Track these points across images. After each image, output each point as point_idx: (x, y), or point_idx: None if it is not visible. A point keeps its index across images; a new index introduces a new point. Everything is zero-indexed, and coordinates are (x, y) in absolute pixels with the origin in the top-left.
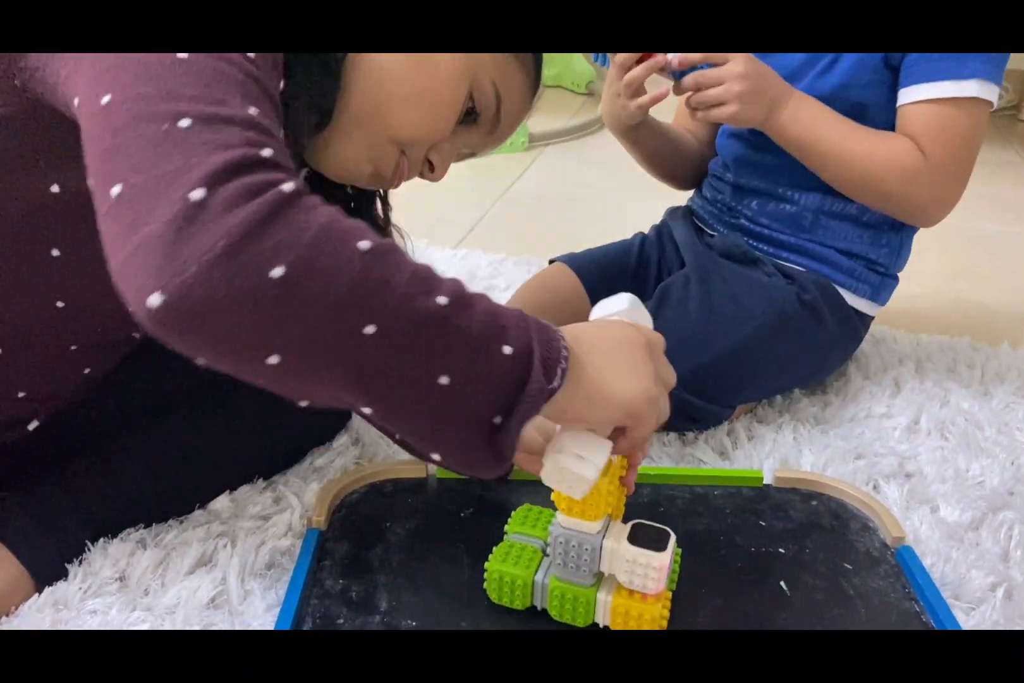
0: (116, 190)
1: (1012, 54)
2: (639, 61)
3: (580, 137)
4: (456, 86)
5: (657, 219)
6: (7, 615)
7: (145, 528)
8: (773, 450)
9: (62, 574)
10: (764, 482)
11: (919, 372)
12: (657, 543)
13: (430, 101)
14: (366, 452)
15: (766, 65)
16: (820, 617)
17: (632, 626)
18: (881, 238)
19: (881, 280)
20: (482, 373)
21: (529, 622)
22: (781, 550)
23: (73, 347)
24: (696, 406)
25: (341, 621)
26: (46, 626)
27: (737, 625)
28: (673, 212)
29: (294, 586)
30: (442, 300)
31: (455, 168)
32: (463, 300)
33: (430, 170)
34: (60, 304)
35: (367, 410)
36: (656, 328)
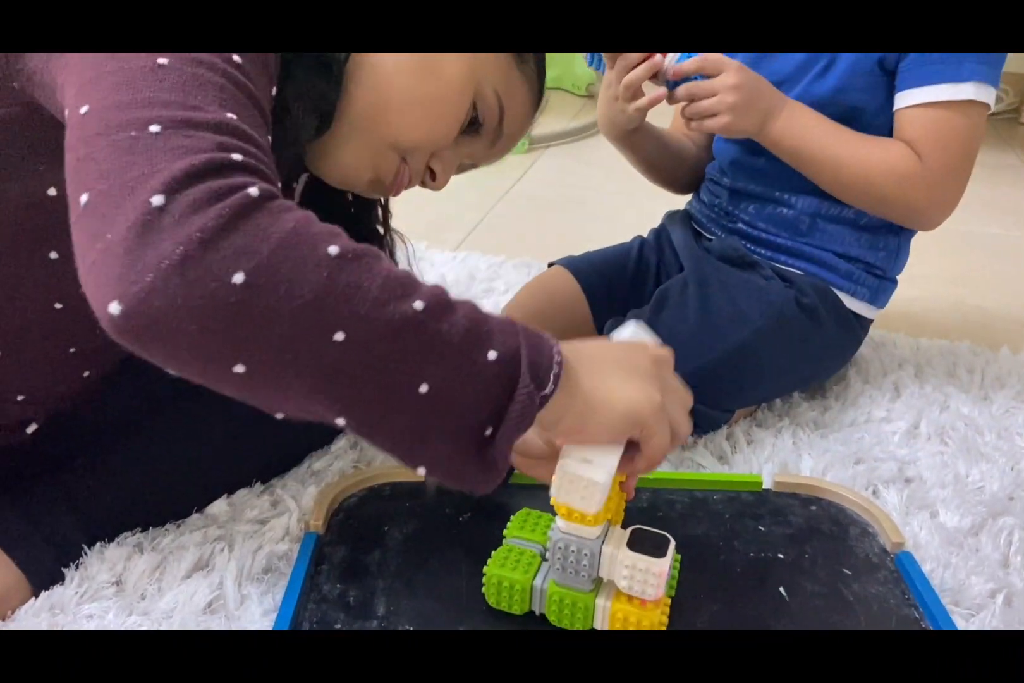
0: (84, 198)
1: (1012, 56)
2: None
3: (580, 139)
4: (459, 94)
5: (656, 222)
6: (3, 619)
7: (142, 532)
8: (772, 454)
9: (58, 578)
10: (763, 487)
11: (919, 376)
12: (657, 549)
13: (432, 107)
14: (364, 455)
15: (759, 75)
16: (819, 623)
17: None
18: (879, 241)
19: (880, 283)
20: (465, 380)
21: (527, 627)
22: (780, 555)
23: (72, 349)
24: (695, 410)
25: (338, 626)
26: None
27: None
28: (672, 216)
29: (291, 591)
30: (418, 305)
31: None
32: (442, 305)
33: (431, 178)
34: (58, 305)
35: (341, 421)
36: (654, 332)
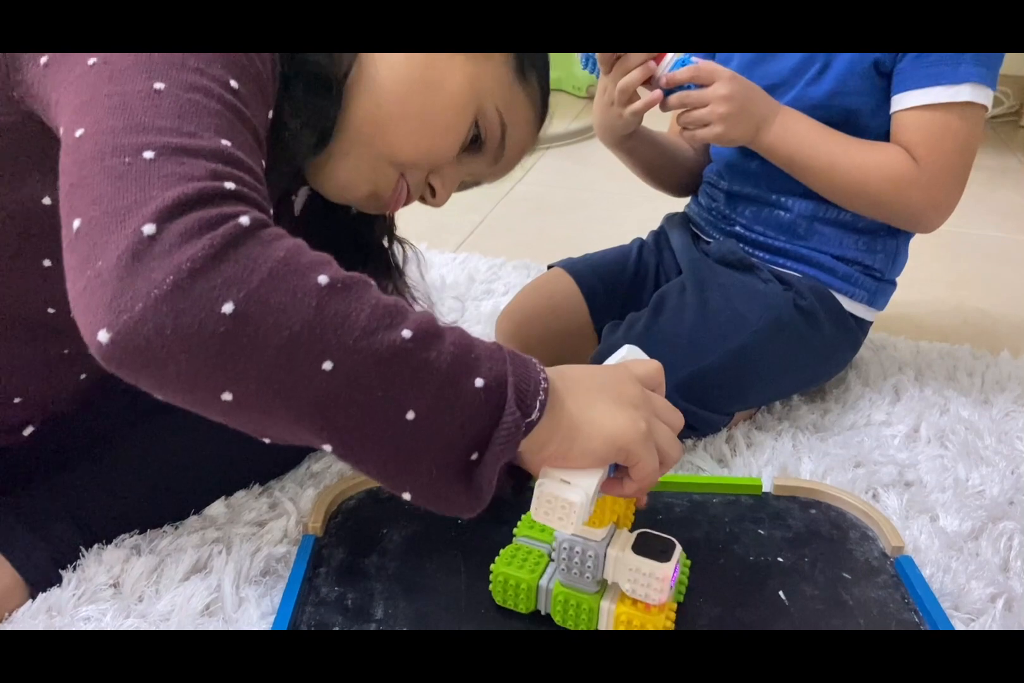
0: (76, 224)
1: (1012, 59)
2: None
3: (580, 141)
4: (459, 110)
5: (656, 224)
6: (0, 621)
7: (140, 534)
8: (772, 458)
9: (56, 580)
10: (763, 490)
11: (919, 380)
12: (662, 554)
13: (431, 123)
14: None
15: (752, 84)
16: (818, 627)
17: None
18: (877, 244)
19: (878, 285)
20: (452, 407)
21: (527, 628)
22: (780, 559)
23: (66, 351)
24: (694, 414)
25: (336, 629)
26: None
27: None
28: (671, 218)
29: (289, 593)
30: (406, 333)
31: None
32: (430, 333)
33: (432, 195)
34: (51, 310)
35: (328, 447)
36: (652, 336)
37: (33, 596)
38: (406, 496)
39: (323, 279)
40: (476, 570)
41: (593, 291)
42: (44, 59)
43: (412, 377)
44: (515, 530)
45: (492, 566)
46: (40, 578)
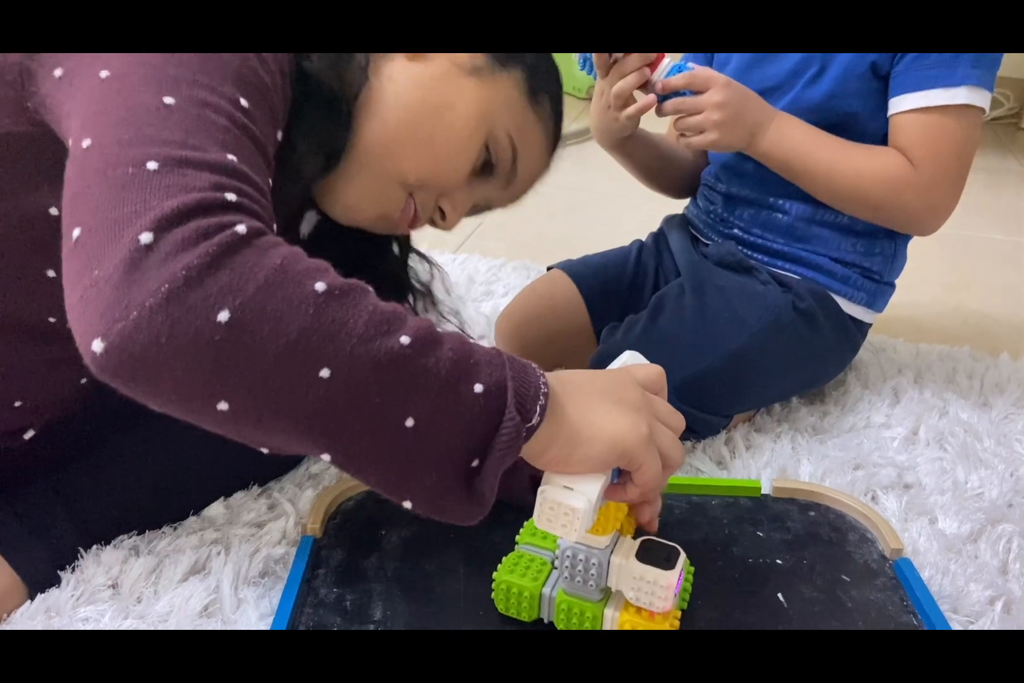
0: (76, 233)
1: (1013, 62)
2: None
3: (580, 142)
4: (470, 133)
5: (656, 225)
6: None
7: (138, 535)
8: (771, 460)
9: (54, 581)
10: (762, 492)
11: (918, 382)
12: (666, 561)
13: (440, 146)
14: None
15: (747, 90)
16: (817, 629)
17: None
18: (875, 246)
19: (877, 287)
20: (451, 413)
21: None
22: (779, 561)
23: (67, 356)
24: (693, 416)
25: (335, 630)
26: None
27: None
28: (670, 220)
29: (288, 594)
30: (404, 340)
31: None
32: (428, 339)
33: (441, 218)
34: (52, 319)
35: (327, 456)
36: (651, 338)
37: (32, 597)
38: (407, 505)
39: (320, 286)
40: (475, 571)
41: (592, 293)
42: (59, 72)
43: (411, 383)
44: (517, 538)
45: (494, 574)
46: (39, 579)
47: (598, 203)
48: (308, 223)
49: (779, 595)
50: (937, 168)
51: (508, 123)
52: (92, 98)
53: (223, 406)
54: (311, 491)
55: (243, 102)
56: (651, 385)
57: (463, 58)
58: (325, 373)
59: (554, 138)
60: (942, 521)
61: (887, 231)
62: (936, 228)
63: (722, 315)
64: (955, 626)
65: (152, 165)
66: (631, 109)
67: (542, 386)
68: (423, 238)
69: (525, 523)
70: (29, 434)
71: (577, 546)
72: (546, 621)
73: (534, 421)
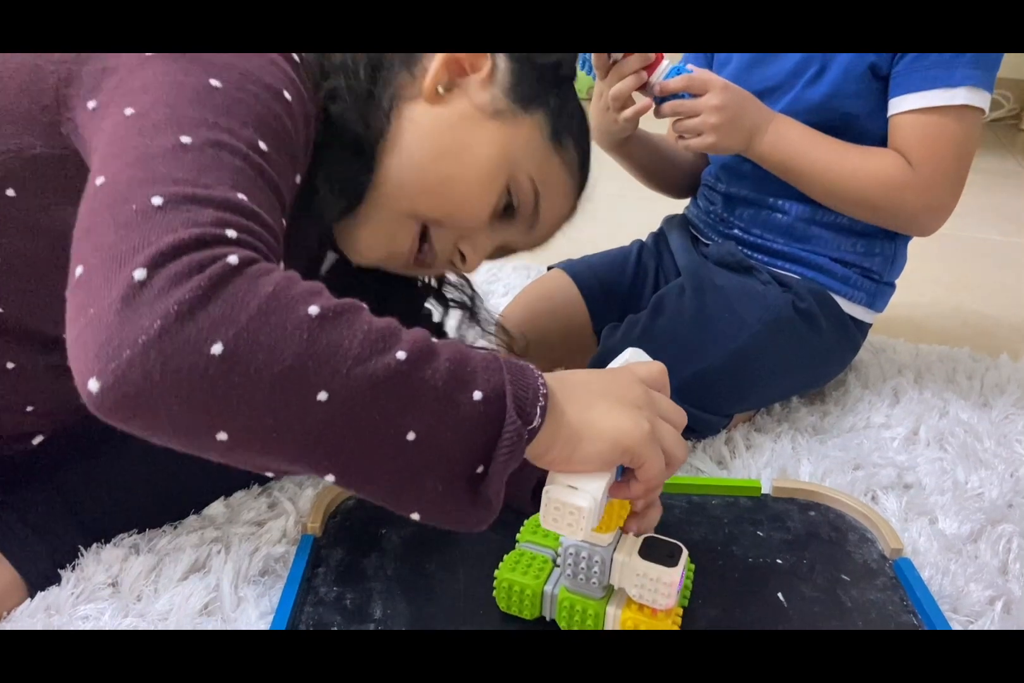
0: (78, 271)
1: (1013, 63)
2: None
3: None
4: (490, 177)
5: (656, 225)
6: None
7: (138, 533)
8: (771, 460)
9: (54, 579)
10: (762, 492)
11: (918, 382)
12: (669, 558)
13: (459, 187)
14: None
15: (745, 93)
16: (817, 629)
17: None
18: (875, 246)
19: (877, 287)
20: (451, 423)
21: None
22: (779, 561)
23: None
24: (693, 415)
25: (335, 629)
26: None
27: None
28: (670, 220)
29: (288, 593)
30: (400, 355)
31: None
32: (424, 351)
33: (462, 261)
34: (59, 332)
35: (331, 478)
36: (652, 337)
37: (32, 595)
38: (415, 516)
39: (313, 309)
40: (475, 570)
41: (592, 293)
42: (92, 104)
43: (409, 398)
44: (518, 536)
45: (496, 572)
46: (39, 577)
47: (598, 203)
48: (326, 263)
49: (779, 595)
50: (936, 169)
51: (530, 166)
52: (114, 136)
53: (222, 437)
54: (311, 490)
55: (261, 145)
56: (653, 382)
57: (484, 101)
58: (323, 396)
59: (580, 181)
60: (942, 521)
61: (887, 231)
62: (935, 229)
63: (722, 315)
64: (955, 626)
65: (157, 201)
66: (629, 111)
67: (541, 387)
68: None
69: (526, 521)
70: (38, 439)
71: (580, 544)
72: (548, 619)
73: (535, 423)
